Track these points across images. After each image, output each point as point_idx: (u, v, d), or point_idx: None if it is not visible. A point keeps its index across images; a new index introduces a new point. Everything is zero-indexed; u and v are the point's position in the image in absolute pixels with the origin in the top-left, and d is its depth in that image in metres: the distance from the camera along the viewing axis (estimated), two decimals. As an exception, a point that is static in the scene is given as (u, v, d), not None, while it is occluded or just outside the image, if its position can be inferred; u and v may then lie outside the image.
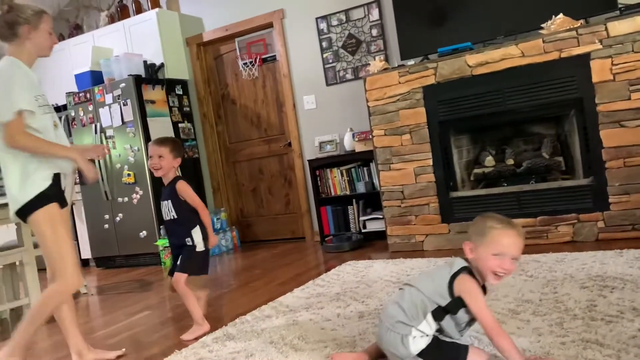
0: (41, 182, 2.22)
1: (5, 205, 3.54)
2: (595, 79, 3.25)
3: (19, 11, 2.26)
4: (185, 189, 2.63)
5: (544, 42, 3.37)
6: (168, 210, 2.66)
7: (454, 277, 1.71)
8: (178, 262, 2.63)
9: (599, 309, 2.07)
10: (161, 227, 4.85)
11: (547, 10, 3.49)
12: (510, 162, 3.78)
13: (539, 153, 3.75)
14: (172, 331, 2.77)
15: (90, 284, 4.54)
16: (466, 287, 1.69)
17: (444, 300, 1.70)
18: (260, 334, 2.40)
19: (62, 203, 2.34)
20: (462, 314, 1.70)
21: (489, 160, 3.83)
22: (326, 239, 4.59)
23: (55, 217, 2.24)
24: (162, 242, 4.77)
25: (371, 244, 4.35)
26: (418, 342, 1.70)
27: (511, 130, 3.95)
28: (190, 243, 2.62)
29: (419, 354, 1.70)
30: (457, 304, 1.69)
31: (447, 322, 1.71)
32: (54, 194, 2.25)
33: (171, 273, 2.66)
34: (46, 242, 2.24)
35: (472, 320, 1.72)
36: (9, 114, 2.16)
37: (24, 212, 2.23)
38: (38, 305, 2.28)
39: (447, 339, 1.73)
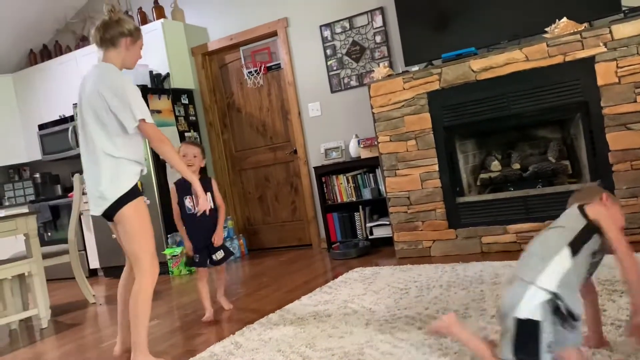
0: (131, 180, 2.37)
1: (12, 216, 3.57)
2: (600, 82, 3.24)
3: (125, 23, 2.43)
4: (216, 187, 3.19)
5: (548, 46, 3.36)
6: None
7: (582, 206, 1.69)
8: (221, 252, 3.14)
9: (608, 314, 2.06)
10: (169, 236, 4.86)
11: (551, 14, 3.49)
12: (517, 166, 3.77)
13: (545, 157, 3.74)
14: (181, 340, 2.77)
15: (99, 294, 4.55)
16: (601, 210, 1.66)
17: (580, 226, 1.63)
18: (267, 342, 2.40)
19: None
20: (593, 244, 1.61)
21: (495, 165, 3.82)
22: (333, 246, 4.58)
23: (142, 210, 2.40)
24: (170, 251, 4.78)
25: (378, 251, 4.34)
26: (537, 298, 1.53)
27: (517, 134, 3.94)
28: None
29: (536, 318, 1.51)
30: (591, 230, 1.62)
31: (580, 259, 1.58)
32: (138, 190, 2.42)
33: (204, 264, 3.11)
34: (134, 234, 2.37)
35: (596, 263, 1.64)
36: (148, 115, 2.32)
37: (114, 208, 2.34)
38: (135, 306, 2.36)
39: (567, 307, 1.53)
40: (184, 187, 3.01)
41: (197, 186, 2.46)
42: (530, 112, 3.48)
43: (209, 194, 2.95)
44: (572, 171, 3.66)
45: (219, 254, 3.14)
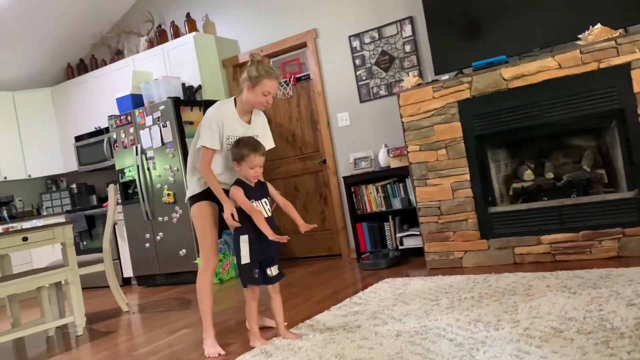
0: (195, 188, 2.82)
1: (49, 226, 3.68)
2: (637, 88, 3.16)
3: (250, 68, 2.65)
4: (273, 189, 2.81)
5: (581, 53, 3.30)
6: (265, 207, 2.67)
7: None
8: (276, 268, 2.69)
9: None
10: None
11: (584, 20, 3.43)
12: (550, 175, 3.70)
13: (580, 166, 3.66)
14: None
15: (132, 302, 4.63)
16: None
17: None
18: (297, 352, 2.40)
19: (215, 202, 2.80)
20: None
21: (528, 174, 3.76)
22: (362, 256, 4.57)
23: (202, 212, 2.80)
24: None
25: (408, 261, 4.31)
26: None
27: (550, 143, 3.87)
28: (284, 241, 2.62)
29: None
30: None
31: None
32: (204, 196, 2.80)
33: (260, 281, 2.62)
34: (195, 229, 2.86)
35: None
36: (207, 143, 2.67)
37: (189, 205, 2.89)
38: (197, 290, 2.82)
39: None
40: (249, 189, 2.64)
41: (227, 213, 2.63)
42: (564, 121, 3.42)
43: (265, 199, 2.68)
44: (607, 180, 3.57)
45: (274, 270, 2.67)
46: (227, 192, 2.67)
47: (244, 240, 2.60)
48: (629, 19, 3.39)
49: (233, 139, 2.69)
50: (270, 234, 2.53)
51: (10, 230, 3.53)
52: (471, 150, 3.70)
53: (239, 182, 2.64)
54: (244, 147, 2.59)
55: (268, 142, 2.83)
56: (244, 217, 2.59)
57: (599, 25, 3.30)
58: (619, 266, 3.00)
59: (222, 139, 2.69)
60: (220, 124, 2.67)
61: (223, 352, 2.65)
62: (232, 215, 2.59)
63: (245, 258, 2.60)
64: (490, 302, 2.68)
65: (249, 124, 2.78)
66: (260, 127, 2.84)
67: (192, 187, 2.84)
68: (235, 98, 2.79)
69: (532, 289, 2.80)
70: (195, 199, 2.82)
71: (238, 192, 2.57)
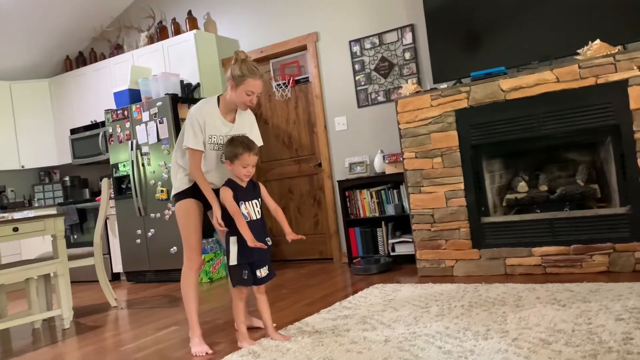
0: (180, 185, 2.79)
1: (41, 217, 3.66)
2: (633, 105, 3.18)
3: (234, 67, 2.61)
4: (265, 191, 2.81)
5: (580, 67, 3.32)
6: (255, 209, 2.67)
7: None
8: (266, 269, 2.67)
9: (636, 342, 2.00)
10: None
11: (584, 35, 3.46)
12: (544, 188, 3.72)
13: (574, 180, 3.68)
14: (199, 347, 2.77)
15: (121, 298, 4.61)
16: None
17: None
18: (285, 354, 2.39)
19: (201, 200, 2.77)
20: None
21: (522, 186, 3.77)
22: (354, 260, 4.56)
23: (188, 210, 2.77)
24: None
25: (400, 268, 4.31)
26: None
27: (545, 156, 3.89)
28: (270, 243, 2.68)
29: None
30: None
31: None
32: (189, 194, 2.76)
33: (250, 282, 2.61)
34: (180, 227, 2.80)
35: None
36: (191, 144, 2.66)
37: (173, 202, 2.86)
38: (182, 290, 2.81)
39: None
40: (239, 190, 2.64)
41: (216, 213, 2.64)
42: (560, 134, 3.44)
43: (256, 201, 2.68)
44: (601, 195, 3.59)
45: (264, 271, 2.66)
46: (215, 192, 2.67)
47: (234, 241, 2.59)
48: (628, 36, 3.42)
49: (216, 138, 2.69)
50: (250, 240, 2.47)
51: (0, 220, 3.51)
52: (466, 160, 3.71)
53: (229, 183, 2.62)
54: (238, 146, 2.57)
55: (255, 140, 2.75)
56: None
57: (598, 41, 3.33)
58: (608, 281, 3.01)
59: (205, 139, 2.67)
60: (202, 123, 2.65)
61: (210, 351, 2.64)
62: (219, 220, 2.60)
63: (233, 260, 2.59)
64: (479, 312, 2.68)
65: (233, 122, 2.75)
66: (246, 126, 2.81)
67: (177, 184, 2.80)
68: (219, 96, 2.77)
69: (522, 300, 2.80)
70: (180, 196, 2.78)
71: (227, 194, 2.56)
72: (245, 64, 2.60)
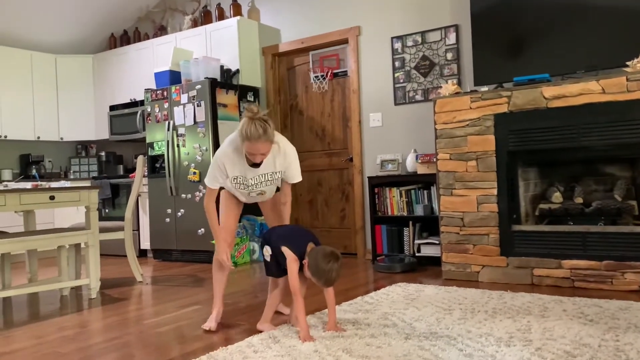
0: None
1: (76, 188, 3.75)
2: (680, 123, 3.08)
3: (241, 124, 2.54)
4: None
5: (627, 80, 3.24)
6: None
7: None
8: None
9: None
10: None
11: (633, 47, 3.36)
12: (579, 200, 3.64)
13: (611, 194, 3.59)
14: (219, 327, 2.81)
15: (146, 274, 4.70)
16: None
17: None
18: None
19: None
20: None
21: (557, 197, 3.70)
22: (378, 258, 4.55)
23: (227, 196, 2.91)
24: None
25: (424, 269, 4.28)
26: None
27: (583, 168, 3.80)
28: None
29: None
30: None
31: None
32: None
33: (280, 274, 2.70)
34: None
35: None
36: (210, 183, 2.79)
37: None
38: (213, 270, 2.95)
39: None
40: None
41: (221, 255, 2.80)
42: (600, 147, 3.35)
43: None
44: (638, 212, 3.49)
45: None
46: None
47: (267, 249, 2.71)
48: (682, 51, 3.31)
49: (242, 179, 2.71)
50: (304, 337, 2.43)
51: (39, 187, 3.61)
52: (502, 166, 3.65)
53: (298, 256, 2.58)
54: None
55: (290, 177, 2.78)
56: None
57: (649, 54, 3.23)
58: (639, 300, 2.93)
59: (229, 179, 2.72)
60: (222, 168, 2.69)
61: (213, 329, 2.76)
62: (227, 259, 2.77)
63: (267, 256, 2.71)
64: (503, 319, 2.64)
65: (258, 167, 2.69)
66: (277, 165, 2.72)
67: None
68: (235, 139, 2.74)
69: (547, 311, 2.76)
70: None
71: (293, 267, 2.56)
72: (244, 126, 2.51)
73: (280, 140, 2.72)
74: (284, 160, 2.73)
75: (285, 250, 2.57)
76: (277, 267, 2.68)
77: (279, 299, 2.77)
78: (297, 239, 2.63)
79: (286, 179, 2.79)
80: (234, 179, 2.72)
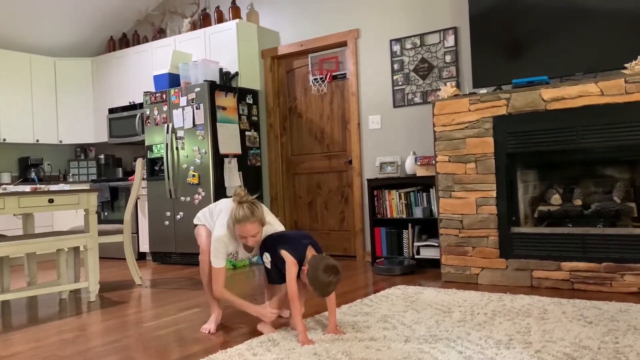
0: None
1: (75, 191, 3.74)
2: (679, 124, 3.09)
3: (233, 212, 2.65)
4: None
5: (626, 82, 3.24)
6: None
7: None
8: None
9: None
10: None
11: (632, 49, 3.37)
12: (578, 202, 3.64)
13: (610, 197, 3.59)
14: (218, 330, 2.81)
15: (145, 277, 4.69)
16: None
17: None
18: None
19: None
20: None
21: (556, 199, 3.70)
22: (377, 260, 4.55)
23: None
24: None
25: (423, 271, 4.28)
26: None
27: (582, 170, 3.81)
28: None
29: None
30: None
31: None
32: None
33: (281, 280, 2.70)
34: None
35: None
36: (215, 262, 2.78)
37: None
38: (200, 272, 2.98)
39: None
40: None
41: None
42: (599, 149, 3.36)
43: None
44: (637, 214, 3.50)
45: None
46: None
47: (266, 256, 2.72)
48: (680, 54, 3.32)
49: (235, 253, 2.84)
50: (302, 341, 2.45)
51: (37, 190, 3.61)
52: (501, 168, 3.65)
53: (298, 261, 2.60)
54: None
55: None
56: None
57: (647, 56, 3.24)
58: (639, 302, 2.94)
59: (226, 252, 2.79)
60: (223, 248, 2.74)
61: (213, 332, 2.78)
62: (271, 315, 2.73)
63: (267, 263, 2.73)
64: (503, 321, 2.64)
65: (251, 252, 2.83)
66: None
67: (215, 230, 2.81)
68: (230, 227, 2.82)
69: (547, 313, 2.76)
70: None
71: (292, 270, 2.57)
72: (238, 207, 2.61)
73: (272, 220, 2.81)
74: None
75: (284, 254, 2.57)
76: (278, 273, 2.68)
77: (276, 299, 2.74)
78: (296, 242, 2.63)
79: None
80: (229, 254, 2.83)
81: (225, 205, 2.84)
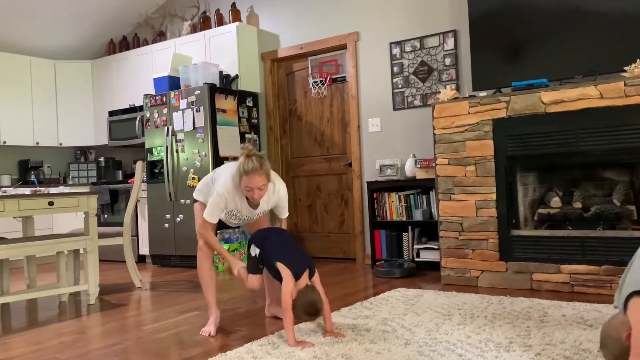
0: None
1: (75, 193, 3.74)
2: (678, 127, 3.09)
3: (239, 161, 2.68)
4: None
5: (625, 85, 3.25)
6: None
7: None
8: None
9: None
10: (218, 232, 4.95)
11: (631, 52, 3.38)
12: (578, 205, 3.64)
13: (610, 199, 3.59)
14: (218, 333, 2.81)
15: (145, 279, 4.69)
16: None
17: None
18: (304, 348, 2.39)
19: None
20: None
21: (555, 202, 3.70)
22: (377, 263, 4.55)
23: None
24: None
25: (423, 274, 4.28)
26: None
27: (582, 172, 3.81)
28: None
29: None
30: None
31: None
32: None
33: (256, 272, 2.78)
34: (197, 217, 2.96)
35: None
36: (208, 216, 2.79)
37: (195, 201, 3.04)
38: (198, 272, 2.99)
39: None
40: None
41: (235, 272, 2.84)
42: (599, 151, 3.36)
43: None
44: (637, 217, 3.50)
45: None
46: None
47: (254, 248, 2.76)
48: (679, 57, 3.33)
49: (237, 212, 2.83)
50: (292, 343, 2.47)
51: (37, 193, 3.61)
52: (501, 170, 3.66)
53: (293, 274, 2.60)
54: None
55: (280, 213, 2.98)
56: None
57: (646, 59, 3.24)
58: (639, 305, 2.93)
59: (225, 211, 2.80)
60: (223, 205, 2.76)
61: (213, 334, 2.78)
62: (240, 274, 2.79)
63: (252, 254, 2.76)
64: (503, 324, 2.64)
65: (256, 208, 2.84)
66: (271, 202, 2.87)
67: (210, 201, 2.82)
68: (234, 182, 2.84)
69: (547, 316, 2.75)
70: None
71: (289, 283, 2.56)
72: (247, 159, 2.63)
73: (275, 178, 2.84)
74: (277, 198, 2.89)
75: (280, 267, 2.58)
76: (256, 267, 2.74)
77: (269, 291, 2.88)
78: (295, 259, 2.61)
79: (276, 213, 2.99)
80: (229, 212, 2.82)
81: (227, 168, 2.86)
